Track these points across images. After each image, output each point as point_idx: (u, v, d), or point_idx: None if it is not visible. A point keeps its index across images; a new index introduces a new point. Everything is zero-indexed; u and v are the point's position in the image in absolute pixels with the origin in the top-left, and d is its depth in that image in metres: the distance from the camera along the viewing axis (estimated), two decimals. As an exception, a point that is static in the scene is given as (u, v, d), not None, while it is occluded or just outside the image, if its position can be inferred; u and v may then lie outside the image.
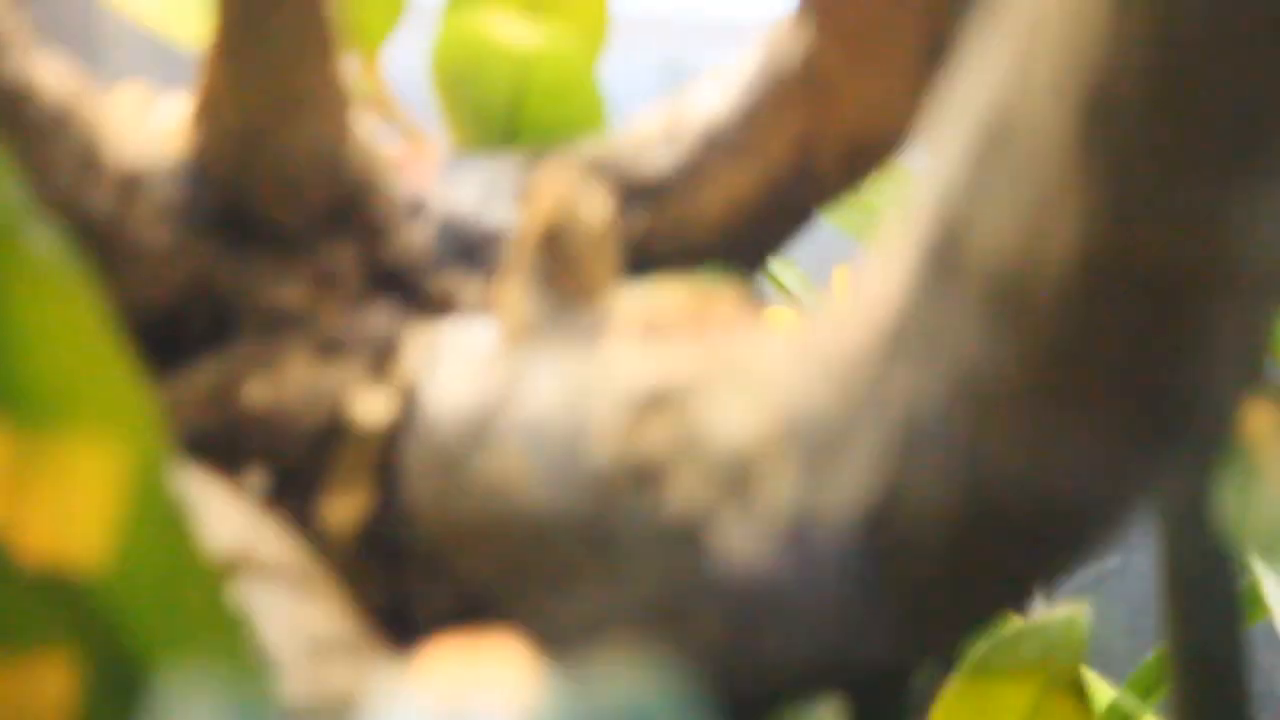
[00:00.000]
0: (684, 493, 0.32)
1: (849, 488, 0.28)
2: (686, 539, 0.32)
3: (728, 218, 0.39)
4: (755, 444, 0.30)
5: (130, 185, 0.38)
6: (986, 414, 0.26)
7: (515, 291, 0.36)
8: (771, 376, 0.30)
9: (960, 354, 0.26)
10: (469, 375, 0.36)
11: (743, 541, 0.31)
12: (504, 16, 0.41)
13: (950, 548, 0.28)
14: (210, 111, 0.37)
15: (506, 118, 0.42)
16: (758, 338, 0.31)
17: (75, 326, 0.31)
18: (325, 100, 0.37)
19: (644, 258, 0.40)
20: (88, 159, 0.37)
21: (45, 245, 0.32)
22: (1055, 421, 0.26)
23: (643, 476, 0.32)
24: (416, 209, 0.40)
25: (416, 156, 0.42)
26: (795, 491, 0.29)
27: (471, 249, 0.40)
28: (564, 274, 0.35)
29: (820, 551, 0.29)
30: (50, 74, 0.37)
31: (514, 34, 0.40)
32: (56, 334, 0.31)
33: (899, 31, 0.36)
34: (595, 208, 0.35)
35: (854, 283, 0.30)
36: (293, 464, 0.38)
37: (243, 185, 0.38)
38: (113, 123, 0.38)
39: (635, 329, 0.34)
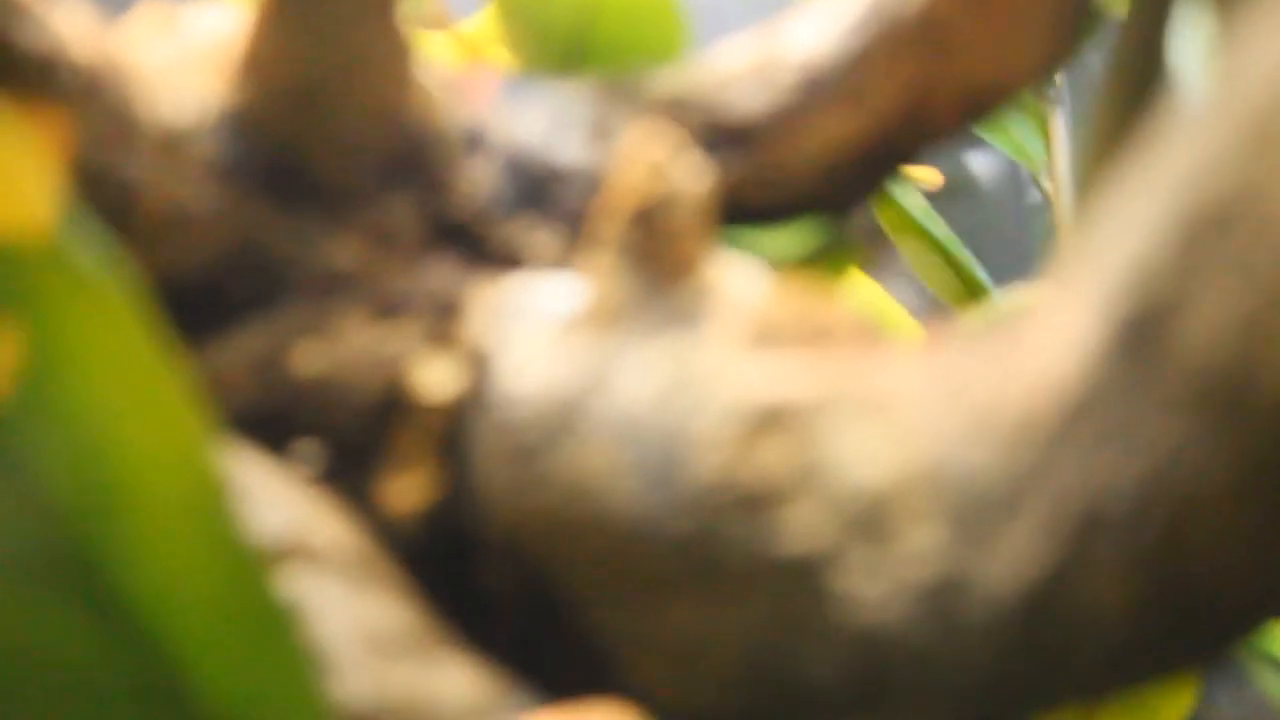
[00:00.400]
0: (804, 526, 0.28)
1: (1010, 562, 0.25)
2: (804, 576, 0.29)
3: (828, 165, 0.35)
4: (892, 486, 0.27)
5: (170, 146, 0.34)
6: (1186, 512, 0.23)
7: (603, 268, 0.32)
8: (912, 416, 0.27)
9: (1159, 447, 0.23)
10: (549, 352, 0.33)
11: (875, 591, 0.28)
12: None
13: (1121, 639, 0.25)
14: (260, 65, 0.33)
15: (574, 38, 0.38)
16: (891, 366, 0.28)
17: (123, 348, 0.28)
18: (385, 55, 0.33)
19: (735, 207, 0.36)
20: (123, 122, 0.33)
21: (91, 261, 0.29)
22: (1268, 524, 0.23)
23: (754, 501, 0.29)
24: (475, 141, 0.37)
25: (474, 78, 0.38)
26: (944, 551, 0.26)
27: (539, 190, 0.37)
28: (657, 251, 0.32)
29: (970, 622, 0.26)
30: (74, 31, 0.33)
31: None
32: (104, 357, 0.28)
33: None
34: (693, 179, 0.32)
35: (1017, 325, 0.26)
36: (349, 438, 0.35)
37: (294, 142, 0.34)
38: (146, 76, 0.34)
39: (745, 332, 0.30)
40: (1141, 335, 0.23)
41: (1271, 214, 0.22)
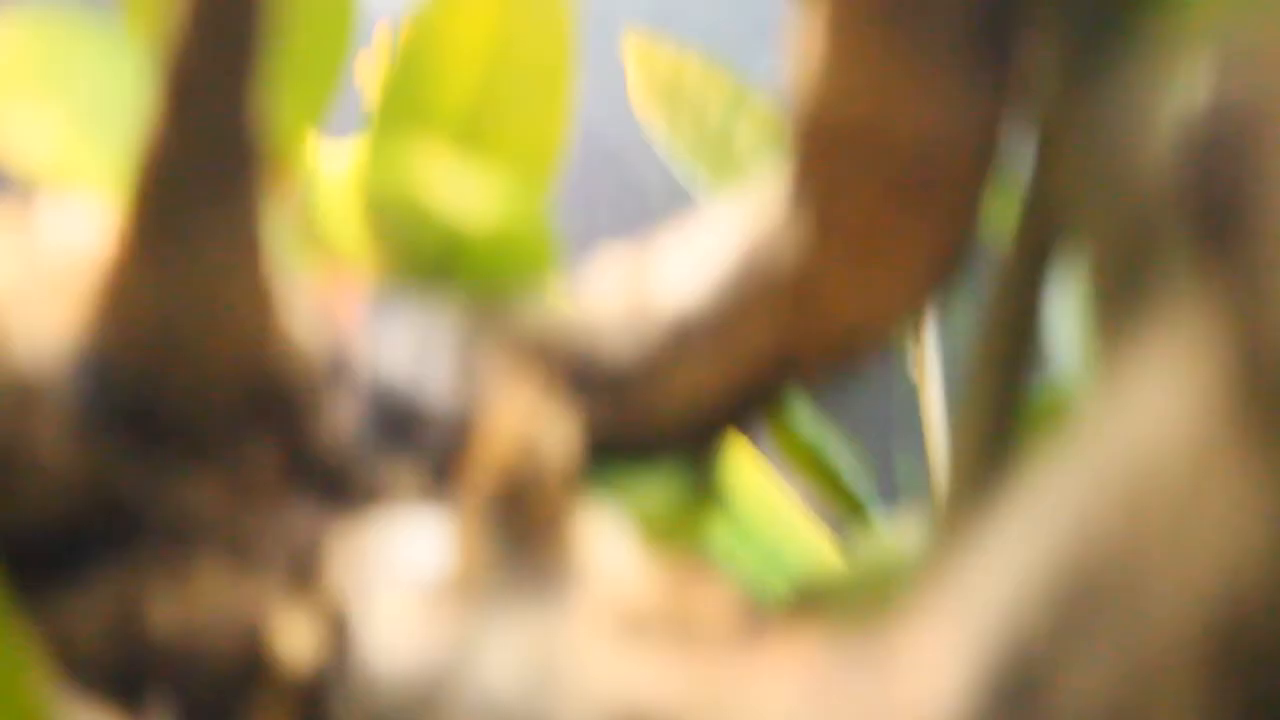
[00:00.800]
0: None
1: None
2: None
3: (695, 408, 0.35)
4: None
5: (20, 388, 0.33)
6: None
7: (467, 529, 0.31)
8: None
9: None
10: (410, 622, 0.32)
11: None
12: (436, 159, 0.36)
13: None
14: (119, 304, 0.32)
15: (441, 247, 0.37)
16: (762, 672, 0.27)
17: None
18: (250, 296, 0.32)
19: (602, 446, 0.35)
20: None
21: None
22: None
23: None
24: (339, 373, 0.36)
25: (340, 293, 0.37)
26: None
27: (402, 424, 0.36)
28: (523, 516, 0.31)
29: None
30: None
31: (448, 194, 0.35)
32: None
33: (908, 239, 0.31)
34: (562, 439, 0.31)
35: (890, 641, 0.25)
36: (207, 700, 0.33)
37: (153, 383, 0.33)
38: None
39: (613, 615, 0.29)
40: (1013, 692, 0.23)
41: (1143, 593, 0.21)
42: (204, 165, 0.30)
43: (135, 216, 0.31)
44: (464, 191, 0.35)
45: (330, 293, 0.37)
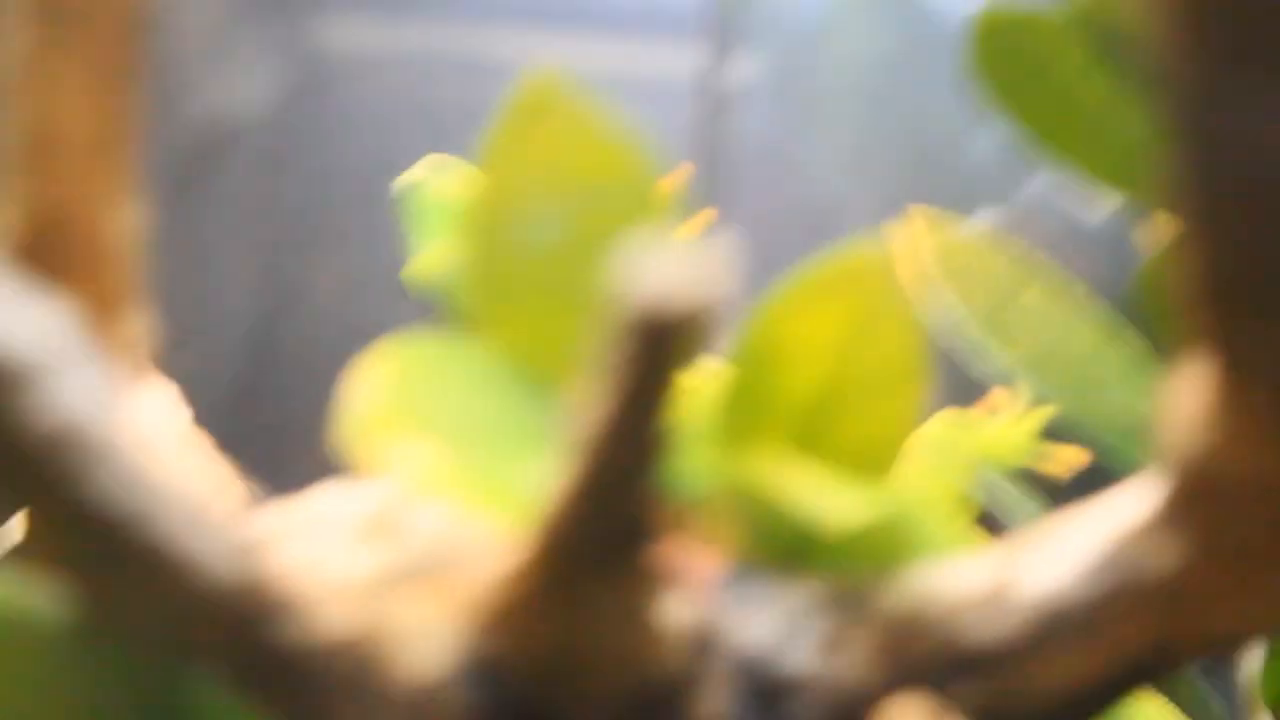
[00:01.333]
0: None
1: None
2: None
3: (1065, 694, 0.36)
4: None
5: (420, 702, 0.34)
6: None
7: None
8: None
9: None
10: None
11: None
12: (784, 456, 0.37)
13: None
14: (515, 624, 0.34)
15: (796, 539, 0.38)
16: None
17: None
18: (635, 628, 0.34)
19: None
20: (372, 685, 0.34)
21: None
22: None
23: None
24: (705, 653, 0.37)
25: (699, 566, 0.39)
26: None
27: (769, 701, 0.37)
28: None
29: None
30: (333, 601, 0.34)
31: (802, 494, 0.36)
32: None
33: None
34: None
35: None
36: None
37: (542, 692, 0.35)
38: (394, 625, 0.35)
39: None
40: None
41: None
42: (603, 540, 0.32)
43: (538, 561, 0.33)
44: (820, 491, 0.36)
45: (692, 568, 0.38)
